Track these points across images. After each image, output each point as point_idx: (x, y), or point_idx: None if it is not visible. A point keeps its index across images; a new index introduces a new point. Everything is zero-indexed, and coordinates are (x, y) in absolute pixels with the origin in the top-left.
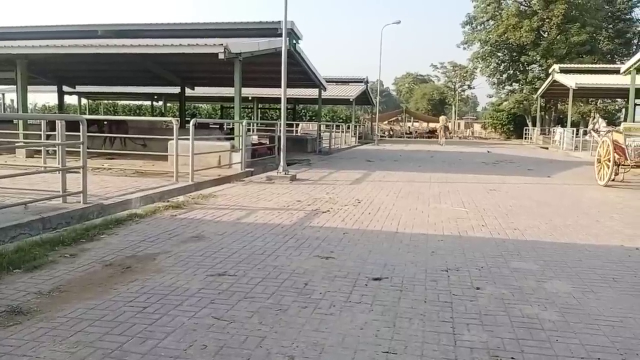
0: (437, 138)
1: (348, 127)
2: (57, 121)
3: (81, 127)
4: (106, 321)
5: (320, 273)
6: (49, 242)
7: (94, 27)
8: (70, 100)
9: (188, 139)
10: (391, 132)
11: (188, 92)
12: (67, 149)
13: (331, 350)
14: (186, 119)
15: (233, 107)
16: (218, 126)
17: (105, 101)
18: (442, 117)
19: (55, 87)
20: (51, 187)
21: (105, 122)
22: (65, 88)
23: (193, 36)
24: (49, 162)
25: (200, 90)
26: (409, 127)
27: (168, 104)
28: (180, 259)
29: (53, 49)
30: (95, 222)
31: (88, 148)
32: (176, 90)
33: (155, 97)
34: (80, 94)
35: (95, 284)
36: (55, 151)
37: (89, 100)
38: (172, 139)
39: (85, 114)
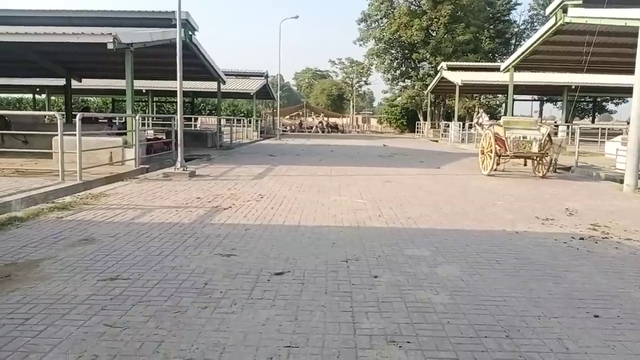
0: (337, 132)
1: (249, 122)
2: None
3: None
4: None
5: (221, 271)
6: None
7: None
8: None
9: (75, 135)
10: (293, 127)
11: (75, 84)
12: None
13: (232, 349)
14: (73, 112)
15: (125, 101)
16: (107, 121)
17: None
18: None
19: None
20: None
21: None
22: None
23: (80, 24)
24: None
25: (89, 83)
26: (311, 121)
27: (52, 97)
28: (68, 264)
29: None
30: None
31: None
32: (61, 82)
33: (38, 89)
34: None
35: None
36: None
37: None
38: (57, 135)
39: None
